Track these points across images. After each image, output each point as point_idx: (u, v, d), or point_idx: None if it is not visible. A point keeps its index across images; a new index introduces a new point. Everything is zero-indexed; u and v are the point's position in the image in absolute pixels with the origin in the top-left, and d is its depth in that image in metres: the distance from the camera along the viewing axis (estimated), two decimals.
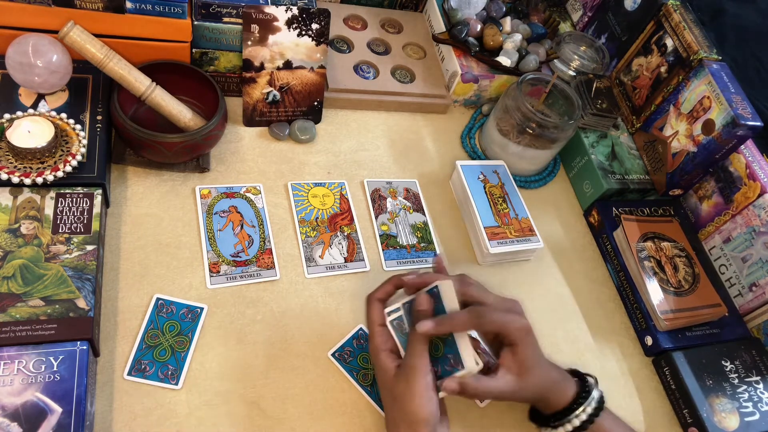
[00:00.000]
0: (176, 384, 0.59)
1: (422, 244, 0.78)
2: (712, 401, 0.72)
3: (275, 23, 0.75)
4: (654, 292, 0.78)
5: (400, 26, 0.99)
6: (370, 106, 0.90)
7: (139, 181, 0.72)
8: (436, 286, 0.59)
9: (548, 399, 0.60)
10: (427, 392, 0.54)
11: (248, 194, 0.75)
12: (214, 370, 0.62)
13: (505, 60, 0.92)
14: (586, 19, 1.04)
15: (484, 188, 0.82)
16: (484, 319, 0.57)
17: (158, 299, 0.64)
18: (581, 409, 0.59)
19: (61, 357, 0.54)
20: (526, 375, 0.58)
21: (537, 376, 0.59)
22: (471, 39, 0.93)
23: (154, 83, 0.70)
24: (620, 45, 0.96)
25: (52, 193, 0.63)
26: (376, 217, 0.78)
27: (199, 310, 0.64)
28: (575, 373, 0.64)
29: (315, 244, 0.73)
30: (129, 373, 0.59)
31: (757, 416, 0.73)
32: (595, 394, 0.61)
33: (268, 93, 0.79)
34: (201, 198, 0.73)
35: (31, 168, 0.62)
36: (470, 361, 0.56)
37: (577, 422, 0.59)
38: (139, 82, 0.68)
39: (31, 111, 0.67)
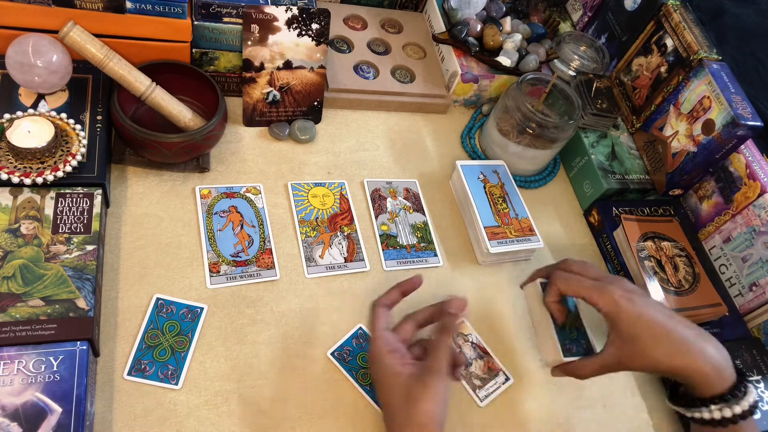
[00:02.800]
0: (176, 384, 0.59)
1: (422, 244, 0.78)
2: None
3: (275, 23, 0.75)
4: (654, 292, 0.78)
5: (400, 26, 0.99)
6: (370, 106, 0.90)
7: (139, 181, 0.72)
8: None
9: (695, 373, 0.56)
10: (445, 394, 0.54)
11: (248, 194, 0.75)
12: (214, 370, 0.62)
13: (505, 60, 0.92)
14: (586, 19, 1.04)
15: (484, 188, 0.82)
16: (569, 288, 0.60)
17: (158, 299, 0.64)
18: (735, 400, 0.55)
19: (61, 357, 0.54)
20: (636, 339, 0.56)
21: (653, 338, 0.56)
22: (471, 39, 0.93)
23: (154, 83, 0.70)
24: (620, 45, 0.96)
25: (52, 193, 0.63)
26: (376, 217, 0.78)
27: (199, 310, 0.64)
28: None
29: (315, 244, 0.73)
30: (129, 373, 0.59)
31: (758, 415, 0.73)
32: (751, 390, 0.56)
33: (268, 93, 0.79)
34: (201, 198, 0.73)
35: (31, 168, 0.62)
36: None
37: (738, 409, 0.55)
38: (139, 82, 0.68)
39: (31, 111, 0.66)
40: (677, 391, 0.61)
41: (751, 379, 0.57)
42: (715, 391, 0.55)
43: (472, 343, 0.71)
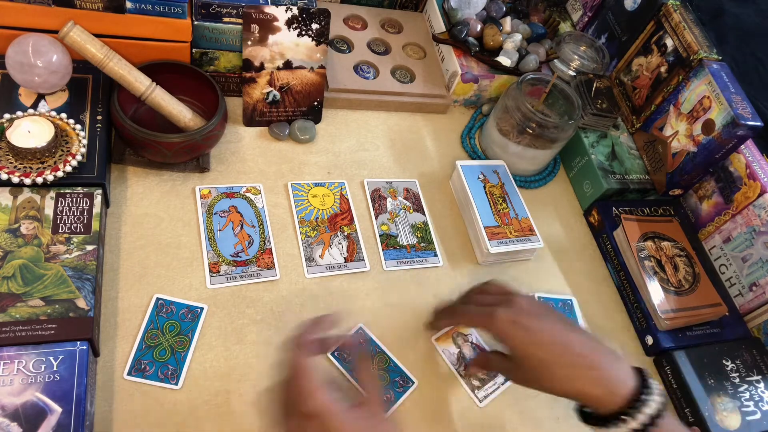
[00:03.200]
0: (176, 384, 0.59)
1: (422, 244, 0.78)
2: (713, 400, 0.72)
3: (275, 23, 0.75)
4: (654, 292, 0.78)
5: (400, 26, 0.99)
6: (370, 106, 0.90)
7: (139, 181, 0.72)
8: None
9: (577, 395, 0.54)
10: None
11: (248, 194, 0.75)
12: (214, 370, 0.62)
13: (505, 60, 0.92)
14: (586, 19, 1.04)
15: (484, 188, 0.82)
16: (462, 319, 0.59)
17: (158, 299, 0.64)
18: (639, 409, 0.52)
19: (61, 357, 0.53)
20: (522, 371, 0.56)
21: (534, 372, 0.54)
22: (471, 39, 0.93)
23: (154, 83, 0.70)
24: (620, 45, 0.96)
25: (52, 193, 0.63)
26: (376, 217, 0.78)
27: (199, 310, 0.64)
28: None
29: (315, 244, 0.73)
30: (129, 373, 0.59)
31: (758, 415, 0.73)
32: (654, 387, 0.54)
33: (268, 93, 0.79)
34: (201, 198, 0.73)
35: (31, 168, 0.62)
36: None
37: (644, 418, 0.51)
38: (139, 82, 0.68)
39: (31, 111, 0.66)
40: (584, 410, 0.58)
41: (652, 385, 0.54)
42: (612, 409, 0.53)
43: (471, 343, 0.71)
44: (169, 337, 0.62)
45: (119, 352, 0.60)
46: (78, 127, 0.67)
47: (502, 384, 0.69)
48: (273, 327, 0.66)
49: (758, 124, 0.77)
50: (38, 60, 0.64)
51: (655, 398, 0.53)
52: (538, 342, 0.55)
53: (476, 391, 0.68)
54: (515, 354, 0.56)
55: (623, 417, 0.52)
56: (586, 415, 0.56)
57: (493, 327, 0.56)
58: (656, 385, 0.54)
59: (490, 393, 0.68)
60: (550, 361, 0.54)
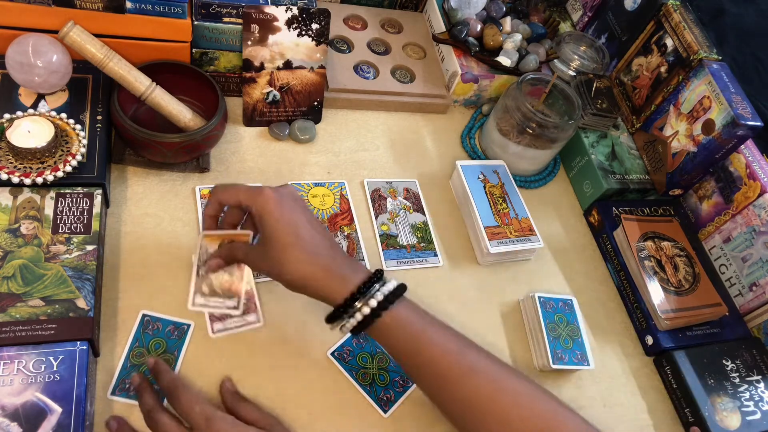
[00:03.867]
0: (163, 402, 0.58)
1: (422, 244, 0.78)
2: (713, 400, 0.72)
3: (275, 23, 0.75)
4: (654, 292, 0.78)
5: (400, 26, 0.99)
6: (370, 106, 0.90)
7: (139, 181, 0.72)
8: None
9: (323, 287, 0.55)
10: None
11: None
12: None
13: (505, 60, 0.92)
14: (586, 19, 1.04)
15: (484, 188, 0.82)
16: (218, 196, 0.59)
17: (144, 316, 0.62)
18: (377, 287, 0.55)
19: (61, 357, 0.53)
20: (273, 245, 0.55)
21: (289, 251, 0.55)
22: (471, 39, 0.93)
23: (154, 83, 0.70)
24: (620, 45, 0.96)
25: (52, 193, 0.63)
26: (376, 217, 0.78)
27: (185, 327, 0.63)
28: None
29: None
30: (113, 393, 0.57)
31: (758, 415, 0.73)
32: (390, 279, 0.56)
33: (268, 93, 0.79)
34: (201, 198, 0.73)
35: (31, 168, 0.62)
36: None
37: (367, 309, 0.54)
38: (139, 82, 0.68)
39: (31, 111, 0.66)
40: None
41: (387, 278, 0.57)
42: (344, 294, 0.55)
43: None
44: (154, 355, 0.60)
45: (119, 352, 0.60)
46: (78, 127, 0.67)
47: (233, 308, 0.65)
48: (272, 327, 0.66)
49: (758, 124, 0.77)
50: (38, 60, 0.64)
51: (389, 286, 0.55)
52: (289, 222, 0.56)
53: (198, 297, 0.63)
54: (266, 233, 0.56)
55: (357, 297, 0.54)
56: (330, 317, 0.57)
57: (258, 201, 0.56)
58: (394, 279, 0.57)
59: None
60: (296, 244, 0.55)
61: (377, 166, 0.84)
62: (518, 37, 0.95)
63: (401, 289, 0.57)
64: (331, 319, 0.57)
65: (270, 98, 0.80)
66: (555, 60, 0.83)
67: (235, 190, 0.59)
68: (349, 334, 0.67)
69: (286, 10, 0.74)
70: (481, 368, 0.55)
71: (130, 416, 0.57)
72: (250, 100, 0.79)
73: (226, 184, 0.60)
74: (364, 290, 0.55)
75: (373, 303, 0.54)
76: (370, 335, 0.57)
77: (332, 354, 0.66)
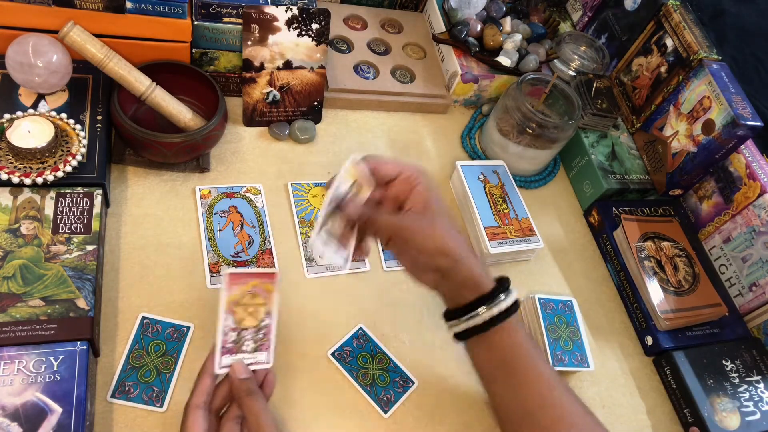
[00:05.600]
0: (161, 406, 0.58)
1: None
2: (713, 400, 0.72)
3: (275, 23, 0.75)
4: (654, 292, 0.78)
5: (400, 26, 0.99)
6: (370, 106, 0.90)
7: (139, 181, 0.72)
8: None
9: (465, 268, 0.56)
10: None
11: (248, 194, 0.75)
12: None
13: (505, 60, 0.92)
14: (586, 19, 1.04)
15: (484, 188, 0.82)
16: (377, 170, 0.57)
17: (144, 318, 0.62)
18: (501, 298, 0.55)
19: (61, 357, 0.53)
20: (431, 214, 0.56)
21: (443, 222, 0.56)
22: (471, 39, 0.93)
23: (154, 83, 0.70)
24: (620, 45, 0.96)
25: (52, 193, 0.63)
26: None
27: (185, 329, 0.63)
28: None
29: None
30: (113, 395, 0.57)
31: (757, 416, 0.73)
32: (514, 290, 0.58)
33: (268, 93, 0.79)
34: (201, 198, 0.73)
35: (31, 168, 0.62)
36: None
37: (496, 310, 0.55)
38: (139, 82, 0.68)
39: (31, 111, 0.66)
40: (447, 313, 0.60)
41: (512, 288, 0.57)
42: (480, 291, 0.56)
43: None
44: (154, 358, 0.60)
45: (119, 352, 0.60)
46: (78, 127, 0.67)
47: None
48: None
49: (758, 124, 0.77)
50: (38, 60, 0.64)
51: (513, 296, 0.57)
52: (447, 211, 0.57)
53: None
54: (428, 206, 0.56)
55: (492, 297, 0.55)
56: (448, 314, 0.59)
57: (422, 175, 0.57)
58: (515, 291, 0.58)
59: None
60: (452, 227, 0.57)
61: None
62: (518, 37, 0.95)
63: (517, 304, 0.58)
64: (451, 315, 0.58)
65: (270, 98, 0.80)
66: (555, 60, 0.83)
67: (397, 161, 0.58)
68: (348, 335, 0.68)
69: (286, 10, 0.74)
70: (566, 412, 0.55)
71: (130, 417, 0.57)
72: (250, 100, 0.79)
73: (377, 156, 0.58)
74: (492, 296, 0.56)
75: (495, 311, 0.55)
76: (470, 344, 0.58)
77: (332, 354, 0.66)
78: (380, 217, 0.57)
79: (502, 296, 0.56)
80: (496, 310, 0.55)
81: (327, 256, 0.58)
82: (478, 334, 0.57)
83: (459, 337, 0.58)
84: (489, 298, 0.56)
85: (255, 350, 0.56)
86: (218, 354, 0.54)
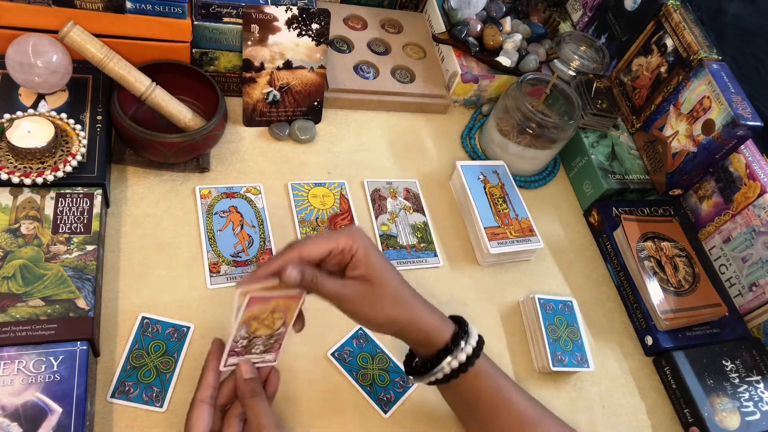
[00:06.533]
0: (161, 406, 0.58)
1: (422, 244, 0.78)
2: (713, 400, 0.72)
3: (275, 23, 0.75)
4: (654, 292, 0.78)
5: (400, 26, 0.99)
6: (370, 106, 0.90)
7: (139, 181, 0.72)
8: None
9: (415, 329, 0.55)
10: None
11: (248, 194, 0.75)
12: None
13: (505, 60, 0.92)
14: (586, 19, 1.04)
15: (484, 188, 0.82)
16: (307, 248, 0.52)
17: (144, 318, 0.62)
18: (461, 346, 0.54)
19: (61, 357, 0.54)
20: (374, 282, 0.53)
21: (386, 289, 0.54)
22: (471, 39, 0.93)
23: (154, 83, 0.70)
24: (620, 45, 0.96)
25: (52, 193, 0.63)
26: (376, 218, 0.78)
27: (185, 329, 0.63)
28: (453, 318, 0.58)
29: None
30: (113, 395, 0.57)
31: (757, 416, 0.73)
32: (473, 331, 0.56)
33: (268, 93, 0.79)
34: (201, 198, 0.73)
35: (31, 168, 0.62)
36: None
37: (455, 363, 0.54)
38: (139, 82, 0.68)
39: (31, 111, 0.66)
40: (411, 365, 0.59)
41: (471, 329, 0.56)
42: (437, 347, 0.55)
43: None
44: (154, 358, 0.60)
45: (119, 352, 0.60)
46: (78, 127, 0.67)
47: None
48: None
49: (758, 124, 0.77)
50: (38, 60, 0.64)
51: (474, 337, 0.55)
52: (389, 269, 0.55)
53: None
54: (369, 273, 0.53)
55: (451, 348, 0.54)
56: (409, 367, 0.58)
57: (357, 240, 0.54)
58: (474, 329, 0.57)
59: None
60: (397, 288, 0.55)
61: (377, 166, 0.84)
62: (518, 37, 0.95)
63: (482, 342, 0.57)
64: (415, 372, 0.57)
65: (270, 98, 0.80)
66: (555, 60, 0.83)
67: (326, 237, 0.54)
68: (348, 335, 0.68)
69: (286, 10, 0.74)
70: None
71: (130, 417, 0.57)
72: (250, 100, 0.79)
73: (305, 239, 0.54)
74: (453, 345, 0.54)
75: (462, 357, 0.54)
76: (439, 387, 0.58)
77: (332, 354, 0.66)
78: (325, 285, 0.53)
79: (462, 343, 0.55)
80: (456, 363, 0.54)
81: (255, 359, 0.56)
82: (445, 383, 0.56)
83: (433, 383, 0.57)
84: (450, 350, 0.54)
85: (264, 352, 0.57)
86: (225, 354, 0.54)
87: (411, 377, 0.58)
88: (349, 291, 0.54)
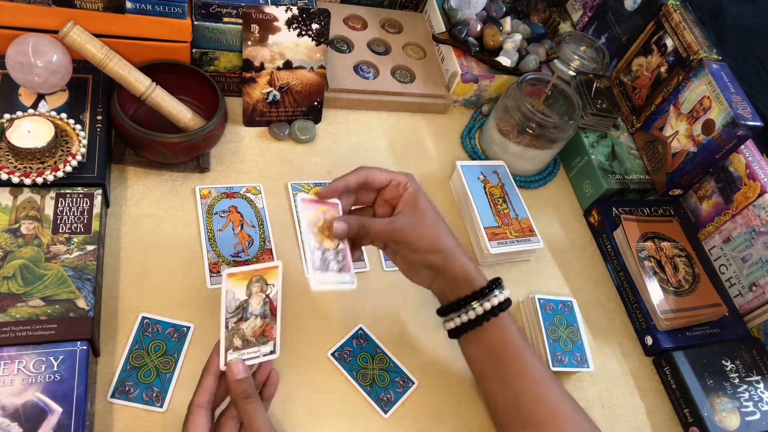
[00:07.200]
0: (161, 406, 0.58)
1: None
2: (712, 401, 0.72)
3: (275, 23, 0.75)
4: (654, 292, 0.78)
5: (400, 26, 0.99)
6: (370, 106, 0.90)
7: (139, 181, 0.72)
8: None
9: (457, 264, 0.59)
10: None
11: (248, 194, 0.75)
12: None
13: (505, 60, 0.92)
14: (586, 19, 1.04)
15: (484, 188, 0.82)
16: (366, 175, 0.61)
17: (144, 318, 0.62)
18: (494, 293, 0.58)
19: (61, 357, 0.54)
20: (420, 212, 0.60)
21: (433, 221, 0.60)
22: (471, 39, 0.93)
23: (154, 83, 0.70)
24: (620, 45, 0.96)
25: (52, 193, 0.63)
26: None
27: (185, 329, 0.63)
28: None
29: None
30: (113, 395, 0.57)
31: (757, 416, 0.73)
32: (505, 287, 0.60)
33: (268, 93, 0.79)
34: (201, 198, 0.73)
35: (31, 168, 0.62)
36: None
37: (488, 305, 0.58)
38: (139, 82, 0.68)
39: (31, 111, 0.67)
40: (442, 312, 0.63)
41: (504, 285, 0.60)
42: (474, 286, 0.59)
43: (266, 296, 0.67)
44: (154, 358, 0.60)
45: (119, 352, 0.60)
46: (78, 127, 0.67)
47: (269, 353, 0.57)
48: None
49: (758, 124, 0.77)
50: (38, 60, 0.64)
51: (505, 293, 0.60)
52: (435, 210, 0.62)
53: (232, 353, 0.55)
54: (417, 206, 0.60)
55: (484, 292, 0.58)
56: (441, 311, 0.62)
57: (411, 180, 0.62)
58: (507, 288, 0.61)
59: None
60: (441, 224, 0.61)
61: (377, 166, 0.84)
62: (518, 37, 0.95)
63: (510, 300, 0.60)
64: (445, 311, 0.61)
65: (270, 98, 0.80)
66: (555, 60, 0.83)
67: (388, 170, 0.62)
68: (348, 335, 0.68)
69: (286, 10, 0.74)
70: (558, 407, 0.57)
71: (130, 417, 0.57)
72: (250, 100, 0.79)
73: (372, 166, 0.63)
74: (485, 291, 0.59)
75: (495, 302, 0.58)
76: (463, 341, 0.61)
77: (332, 354, 0.66)
78: (373, 226, 0.60)
79: (496, 292, 0.59)
80: (488, 304, 0.58)
81: (254, 360, 0.55)
82: (471, 329, 0.59)
83: (453, 333, 0.61)
84: (482, 294, 0.58)
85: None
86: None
87: (443, 318, 0.61)
88: (398, 223, 0.60)
